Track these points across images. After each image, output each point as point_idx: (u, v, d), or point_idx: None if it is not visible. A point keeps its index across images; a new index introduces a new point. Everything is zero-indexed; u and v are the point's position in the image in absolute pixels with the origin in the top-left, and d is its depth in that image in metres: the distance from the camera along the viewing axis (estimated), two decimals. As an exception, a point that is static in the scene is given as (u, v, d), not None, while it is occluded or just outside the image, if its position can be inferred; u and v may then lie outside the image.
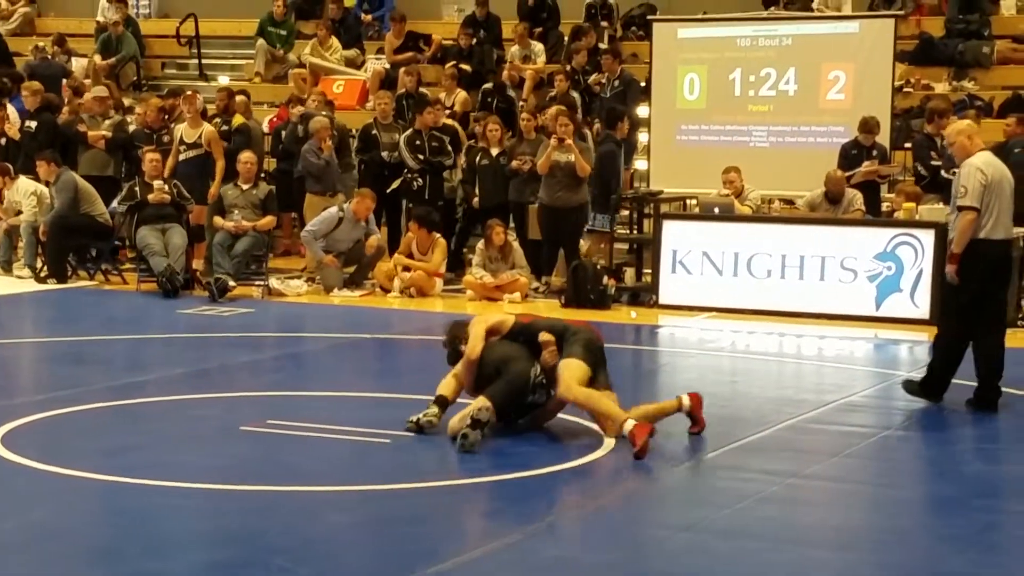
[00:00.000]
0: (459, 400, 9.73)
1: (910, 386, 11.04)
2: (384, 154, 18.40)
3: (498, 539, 7.23)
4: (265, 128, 20.69)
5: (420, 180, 18.02)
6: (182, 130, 18.04)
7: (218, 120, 18.68)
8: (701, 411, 9.57)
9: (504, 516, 8.04)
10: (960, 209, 10.50)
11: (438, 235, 17.07)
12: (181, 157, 17.91)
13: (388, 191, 18.21)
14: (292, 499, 8.04)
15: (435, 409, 9.56)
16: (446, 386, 9.73)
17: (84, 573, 6.69)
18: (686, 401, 9.53)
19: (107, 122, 19.43)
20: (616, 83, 19.81)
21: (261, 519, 7.61)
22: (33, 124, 19.50)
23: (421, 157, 17.97)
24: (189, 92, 18.86)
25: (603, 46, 21.52)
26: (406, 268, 16.81)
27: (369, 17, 25.14)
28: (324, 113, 18.91)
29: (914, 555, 7.21)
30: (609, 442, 9.27)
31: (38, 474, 8.43)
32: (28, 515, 7.63)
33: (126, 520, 7.65)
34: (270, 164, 19.91)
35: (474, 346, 9.61)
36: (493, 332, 9.76)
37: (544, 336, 9.58)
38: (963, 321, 10.74)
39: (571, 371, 9.40)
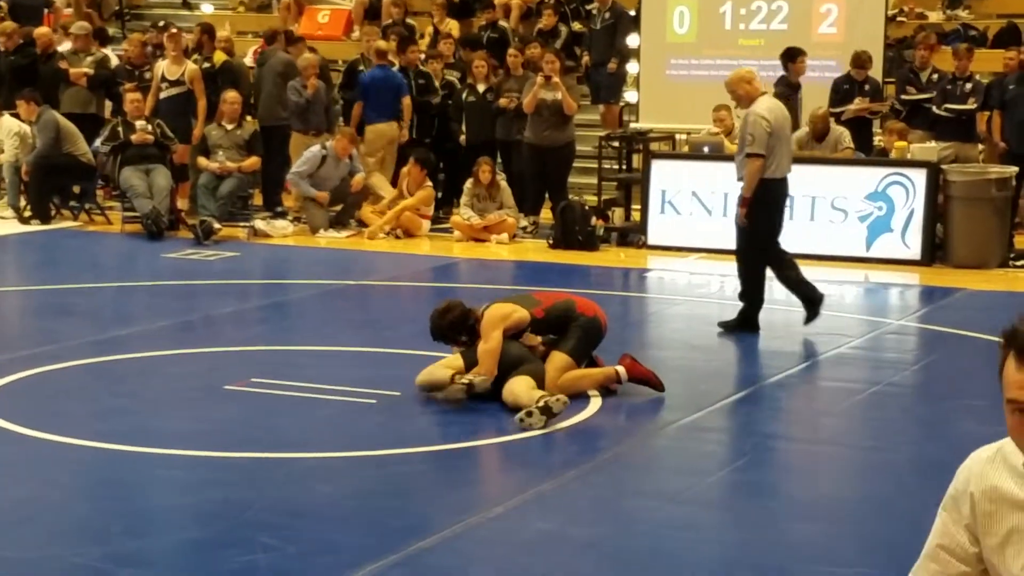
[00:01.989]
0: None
1: (727, 325, 11.39)
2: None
3: (482, 512, 7.16)
4: (249, 60, 20.49)
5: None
6: (164, 67, 17.84)
7: (198, 57, 18.45)
8: (645, 372, 9.39)
9: (488, 486, 8.02)
10: (748, 156, 11.12)
11: (429, 183, 16.93)
12: (163, 95, 17.74)
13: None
14: (276, 467, 7.95)
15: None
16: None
17: (65, 554, 6.60)
18: (622, 372, 9.37)
19: (89, 59, 19.20)
20: (607, 15, 19.61)
21: (245, 490, 7.52)
22: (11, 61, 19.27)
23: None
24: (174, 30, 18.63)
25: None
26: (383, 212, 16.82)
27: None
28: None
29: (900, 526, 7.13)
30: (595, 403, 9.21)
31: (19, 440, 8.34)
32: (10, 488, 7.54)
33: (109, 492, 7.58)
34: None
35: (490, 367, 9.21)
36: (510, 330, 9.41)
37: (530, 339, 9.51)
38: (763, 254, 11.50)
39: (555, 367, 9.33)
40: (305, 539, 6.75)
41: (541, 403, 8.68)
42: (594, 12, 19.96)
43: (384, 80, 17.80)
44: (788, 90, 16.30)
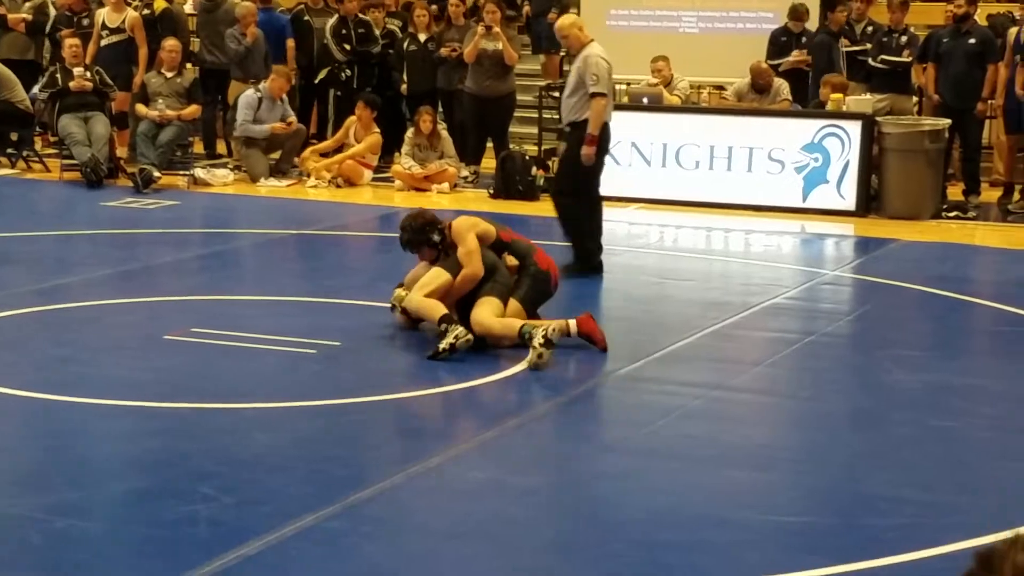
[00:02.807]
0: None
1: (569, 271, 11.42)
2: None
3: (421, 461, 7.22)
4: (189, 8, 20.38)
5: (348, 71, 17.83)
6: (104, 15, 17.73)
7: (138, 4, 18.34)
8: (594, 330, 9.45)
9: (428, 435, 8.07)
10: (594, 96, 11.44)
11: (376, 129, 16.94)
12: (103, 43, 17.64)
13: (316, 81, 18.02)
14: (216, 417, 7.99)
15: (462, 328, 9.16)
16: (435, 306, 9.35)
17: (2, 504, 6.63)
18: (573, 327, 9.42)
19: (27, 4, 19.06)
20: (548, -35, 19.64)
21: (185, 440, 7.56)
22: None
23: (348, 47, 17.77)
24: (113, -24, 18.48)
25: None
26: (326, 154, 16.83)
27: None
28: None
29: (834, 475, 7.29)
30: (534, 353, 9.27)
31: (-40, 391, 8.38)
32: (-51, 439, 7.58)
33: (47, 443, 7.60)
34: (195, 46, 19.60)
35: (478, 265, 9.48)
36: (479, 240, 9.67)
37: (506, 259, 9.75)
38: (580, 193, 11.88)
39: (511, 310, 9.51)
40: (245, 489, 6.80)
41: (543, 339, 8.92)
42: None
43: (266, 23, 18.01)
44: (829, 38, 16.43)
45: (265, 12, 18.07)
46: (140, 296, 10.91)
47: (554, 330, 9.01)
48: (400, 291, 9.94)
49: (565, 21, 12.08)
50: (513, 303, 9.58)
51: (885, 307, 11.30)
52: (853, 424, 8.20)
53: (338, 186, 16.54)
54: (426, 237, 9.69)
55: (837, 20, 16.58)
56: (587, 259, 11.87)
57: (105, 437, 7.69)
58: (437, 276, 9.51)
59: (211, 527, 6.33)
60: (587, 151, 11.61)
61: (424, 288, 9.45)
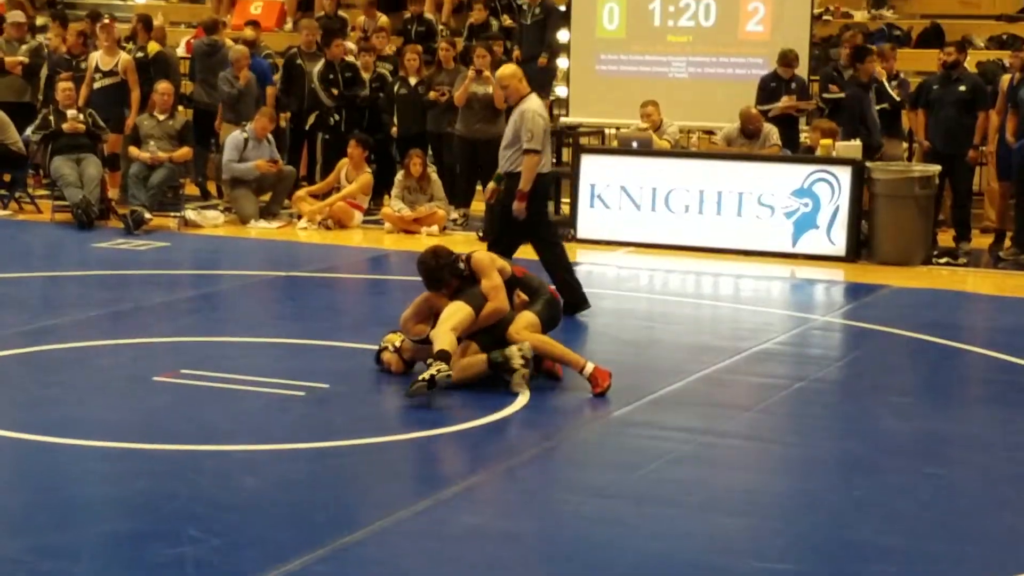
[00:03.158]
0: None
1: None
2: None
3: (410, 506, 7.20)
4: (182, 51, 20.42)
5: (336, 115, 17.87)
6: (97, 58, 17.77)
7: (132, 46, 18.38)
8: (602, 386, 9.45)
9: (416, 479, 8.05)
10: (527, 152, 11.60)
11: (368, 169, 16.98)
12: (96, 85, 17.66)
13: (307, 127, 18.04)
14: (204, 459, 7.97)
15: (445, 365, 9.11)
16: (445, 339, 9.28)
17: (-8, 546, 6.61)
18: (589, 369, 9.47)
19: (24, 47, 19.11)
20: (537, 10, 19.65)
21: (172, 482, 7.53)
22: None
23: (335, 92, 17.81)
24: (107, 20, 18.56)
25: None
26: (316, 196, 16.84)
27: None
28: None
29: (824, 522, 7.26)
30: (523, 396, 9.28)
31: (-54, 432, 8.35)
32: (-65, 480, 7.54)
33: (34, 484, 7.57)
34: (187, 88, 19.65)
35: (503, 299, 9.61)
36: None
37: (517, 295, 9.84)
38: (510, 240, 12.05)
39: (523, 323, 9.62)
40: (232, 532, 6.79)
41: (521, 360, 9.25)
42: (524, 7, 20.02)
43: (251, 67, 18.06)
44: (860, 90, 16.36)
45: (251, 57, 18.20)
46: (129, 337, 10.88)
47: (528, 345, 9.35)
48: (393, 335, 9.92)
49: (506, 71, 12.13)
50: (529, 314, 9.67)
51: (876, 353, 11.29)
52: (843, 471, 8.17)
53: (328, 228, 16.53)
54: (451, 272, 9.72)
55: (867, 71, 16.41)
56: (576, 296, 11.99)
57: (92, 479, 7.65)
58: (459, 310, 9.48)
59: (198, 570, 6.29)
60: (518, 206, 11.75)
61: (448, 322, 9.41)
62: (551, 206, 16.66)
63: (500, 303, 9.57)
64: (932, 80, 16.08)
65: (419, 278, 9.91)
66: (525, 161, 11.65)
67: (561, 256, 12.15)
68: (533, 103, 11.84)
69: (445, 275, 9.70)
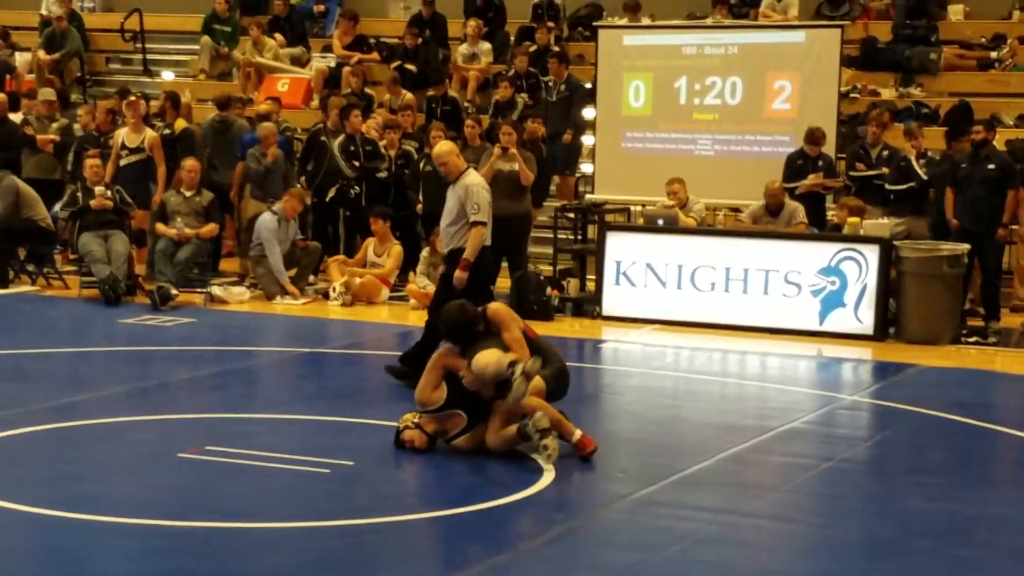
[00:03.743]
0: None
1: (395, 370, 12.15)
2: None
3: (434, 586, 7.19)
4: (209, 128, 20.52)
5: (356, 187, 17.93)
6: (123, 135, 17.87)
7: (159, 123, 18.50)
8: (587, 449, 9.71)
9: (440, 559, 8.00)
10: (474, 224, 11.85)
11: (396, 241, 17.05)
12: (122, 162, 17.76)
13: (327, 199, 18.09)
14: (228, 537, 7.96)
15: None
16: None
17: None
18: (577, 435, 9.74)
19: (54, 125, 19.28)
20: (562, 87, 19.74)
21: (195, 560, 7.52)
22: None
23: (356, 164, 17.88)
24: (132, 97, 18.67)
25: (553, 48, 21.42)
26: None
27: (322, 7, 25.03)
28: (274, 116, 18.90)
29: (851, 604, 7.20)
30: (548, 475, 9.24)
31: (-30, 508, 8.35)
32: (-42, 557, 7.53)
33: (57, 561, 7.58)
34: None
35: (526, 352, 9.75)
36: None
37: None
38: None
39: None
40: (256, 611, 6.76)
41: (537, 433, 9.37)
42: (550, 84, 20.10)
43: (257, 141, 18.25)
44: (953, 168, 16.28)
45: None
46: (155, 414, 10.89)
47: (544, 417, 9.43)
48: (409, 415, 9.93)
49: (444, 148, 12.27)
50: (537, 379, 9.68)
51: (904, 433, 11.21)
52: (870, 553, 8.10)
53: (348, 304, 16.52)
54: (473, 331, 9.86)
55: (961, 149, 16.37)
56: (413, 361, 11.90)
57: (114, 556, 7.64)
58: (502, 355, 9.65)
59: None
60: (459, 275, 11.82)
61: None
62: (575, 283, 16.76)
63: (524, 355, 9.62)
64: (961, 159, 16.05)
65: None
66: (472, 233, 11.83)
67: None
68: (474, 177, 12.13)
69: (470, 329, 9.86)
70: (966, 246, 15.32)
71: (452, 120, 19.58)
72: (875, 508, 9.01)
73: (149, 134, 17.88)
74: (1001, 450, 11.05)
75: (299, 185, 17.94)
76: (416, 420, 9.85)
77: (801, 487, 9.35)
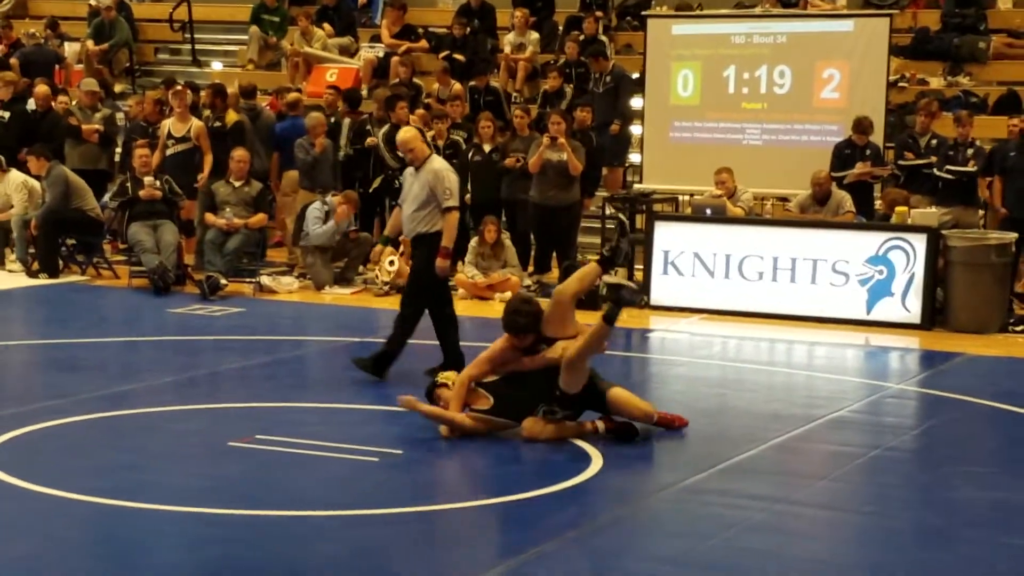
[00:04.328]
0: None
1: (362, 362, 12.03)
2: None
3: (482, 573, 7.21)
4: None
5: (401, 178, 17.95)
6: (170, 124, 17.95)
7: (209, 115, 18.59)
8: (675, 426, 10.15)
9: (487, 546, 8.05)
10: (448, 209, 11.73)
11: None
12: (169, 152, 17.83)
13: (370, 190, 18.16)
14: (277, 525, 8.01)
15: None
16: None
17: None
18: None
19: (98, 115, 19.38)
20: (608, 78, 19.67)
21: (246, 549, 7.59)
22: (6, 114, 19.46)
23: (400, 154, 17.89)
24: (179, 87, 18.77)
25: (601, 37, 21.41)
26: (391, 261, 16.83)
27: (366, -1, 25.16)
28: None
29: (899, 593, 7.21)
30: (596, 463, 9.28)
31: (21, 495, 8.43)
32: (11, 545, 7.60)
33: (110, 549, 7.65)
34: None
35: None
36: None
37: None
38: (426, 300, 12.00)
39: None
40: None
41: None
42: (597, 75, 20.06)
43: (292, 130, 18.48)
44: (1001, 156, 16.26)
45: (292, 120, 18.64)
46: (204, 403, 10.98)
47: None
48: (450, 373, 10.33)
49: (408, 134, 12.11)
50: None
51: (952, 422, 11.19)
52: (919, 541, 8.11)
53: (399, 291, 16.56)
54: (535, 327, 10.04)
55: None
56: (382, 361, 12.07)
57: (165, 544, 7.70)
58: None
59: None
60: (441, 264, 11.79)
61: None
62: (623, 272, 16.75)
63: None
64: (1008, 147, 16.00)
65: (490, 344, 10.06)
66: (447, 218, 11.74)
67: (454, 318, 12.19)
68: (441, 162, 12.05)
69: (533, 322, 10.00)
70: (1014, 235, 15.26)
71: (495, 110, 19.57)
72: (923, 497, 9.01)
73: (195, 123, 17.95)
74: (1049, 439, 11.02)
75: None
76: (453, 380, 10.13)
77: (848, 475, 9.35)
